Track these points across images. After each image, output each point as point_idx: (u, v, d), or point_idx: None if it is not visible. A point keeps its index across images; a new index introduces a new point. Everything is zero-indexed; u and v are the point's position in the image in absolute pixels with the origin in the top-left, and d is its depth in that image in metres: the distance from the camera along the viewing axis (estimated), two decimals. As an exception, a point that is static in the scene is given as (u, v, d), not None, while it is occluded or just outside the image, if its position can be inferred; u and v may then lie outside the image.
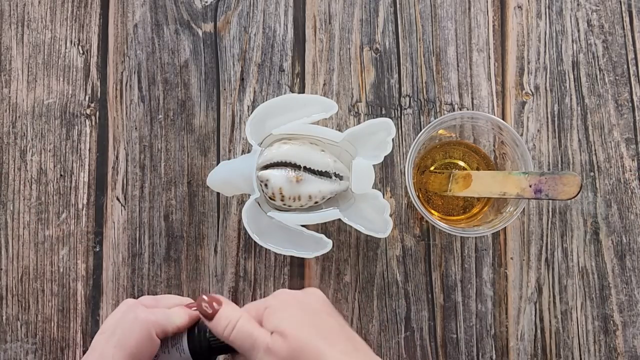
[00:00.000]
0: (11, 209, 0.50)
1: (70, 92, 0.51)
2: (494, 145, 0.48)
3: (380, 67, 0.51)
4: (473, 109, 0.50)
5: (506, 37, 0.51)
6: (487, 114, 0.47)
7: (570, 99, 0.50)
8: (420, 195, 0.49)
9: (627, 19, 0.51)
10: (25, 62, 0.51)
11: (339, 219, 0.45)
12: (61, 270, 0.50)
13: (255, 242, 0.46)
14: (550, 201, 0.49)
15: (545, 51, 0.51)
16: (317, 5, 0.51)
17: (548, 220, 0.49)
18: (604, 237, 0.49)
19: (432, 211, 0.49)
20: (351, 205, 0.46)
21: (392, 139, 0.44)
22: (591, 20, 0.51)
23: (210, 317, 0.36)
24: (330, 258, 0.49)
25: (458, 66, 0.51)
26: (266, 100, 0.49)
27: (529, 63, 0.51)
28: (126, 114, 0.51)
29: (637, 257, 0.49)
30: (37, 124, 0.51)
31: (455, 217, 0.49)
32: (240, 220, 0.50)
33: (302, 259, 0.49)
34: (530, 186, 0.40)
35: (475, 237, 0.49)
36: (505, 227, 0.48)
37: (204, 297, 0.37)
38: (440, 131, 0.47)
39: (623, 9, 0.51)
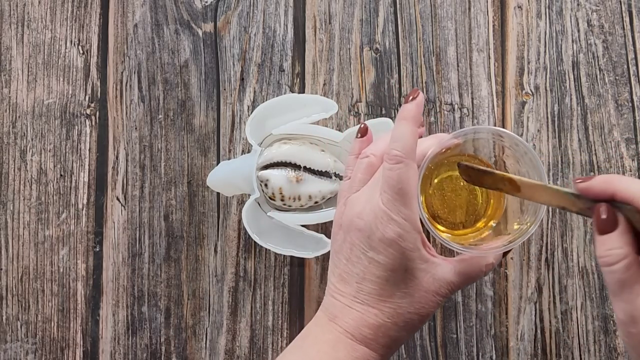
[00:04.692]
0: (11, 209, 0.50)
1: (70, 92, 0.51)
2: (493, 151, 0.46)
3: (380, 67, 0.51)
4: (473, 109, 0.50)
5: (506, 37, 0.51)
6: (491, 127, 0.43)
7: (570, 99, 0.50)
8: (427, 213, 0.46)
9: (627, 19, 0.51)
10: (25, 62, 0.51)
11: (339, 219, 0.45)
12: (61, 270, 0.50)
13: (255, 242, 0.46)
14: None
15: (545, 51, 0.51)
16: (317, 5, 0.51)
17: (548, 220, 0.49)
18: (604, 237, 0.49)
19: (438, 226, 0.46)
20: (351, 205, 0.46)
21: (392, 139, 0.44)
22: (591, 20, 0.51)
23: (599, 231, 0.32)
24: (330, 258, 0.49)
25: (458, 66, 0.51)
26: (266, 100, 0.49)
27: (529, 63, 0.51)
28: (126, 114, 0.51)
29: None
30: (37, 124, 0.51)
31: (462, 232, 0.47)
32: (240, 220, 0.50)
33: (302, 259, 0.49)
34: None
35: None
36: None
37: (607, 206, 0.32)
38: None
39: (623, 9, 0.51)
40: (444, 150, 0.43)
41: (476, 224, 0.46)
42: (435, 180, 0.46)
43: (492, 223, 0.46)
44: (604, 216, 0.32)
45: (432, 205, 0.46)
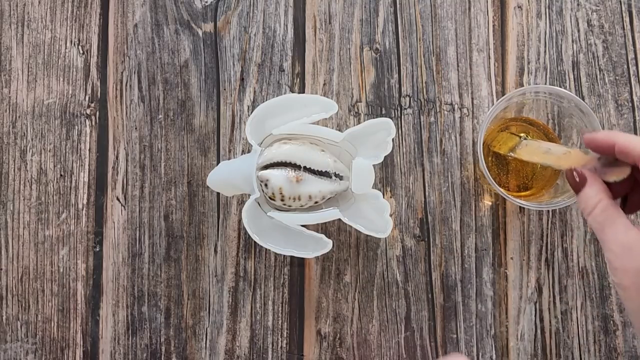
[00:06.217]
0: (11, 209, 0.50)
1: (70, 92, 0.51)
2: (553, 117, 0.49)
3: (380, 67, 0.51)
4: (473, 109, 0.50)
5: (506, 37, 0.51)
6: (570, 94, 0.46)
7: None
8: (490, 171, 0.48)
9: (627, 19, 0.51)
10: (25, 62, 0.51)
11: (339, 219, 0.45)
12: (61, 270, 0.50)
13: (255, 242, 0.46)
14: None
15: (545, 51, 0.51)
16: (317, 5, 0.51)
17: (548, 220, 0.49)
18: (604, 237, 0.49)
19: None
20: (351, 205, 0.46)
21: (392, 139, 0.44)
22: (591, 20, 0.51)
23: (575, 190, 0.38)
24: (330, 258, 0.49)
25: (458, 66, 0.51)
26: (266, 100, 0.49)
27: (529, 63, 0.51)
28: (126, 114, 0.51)
29: (637, 257, 0.49)
30: (37, 124, 0.51)
31: (515, 194, 0.49)
32: (240, 220, 0.50)
33: (302, 259, 0.49)
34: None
35: (475, 237, 0.49)
36: (505, 227, 0.48)
37: (576, 169, 0.38)
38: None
39: (623, 9, 0.51)
40: (499, 113, 0.47)
41: (527, 190, 0.49)
42: (495, 149, 0.49)
43: (543, 191, 0.49)
44: (576, 178, 0.38)
45: (492, 169, 0.49)
